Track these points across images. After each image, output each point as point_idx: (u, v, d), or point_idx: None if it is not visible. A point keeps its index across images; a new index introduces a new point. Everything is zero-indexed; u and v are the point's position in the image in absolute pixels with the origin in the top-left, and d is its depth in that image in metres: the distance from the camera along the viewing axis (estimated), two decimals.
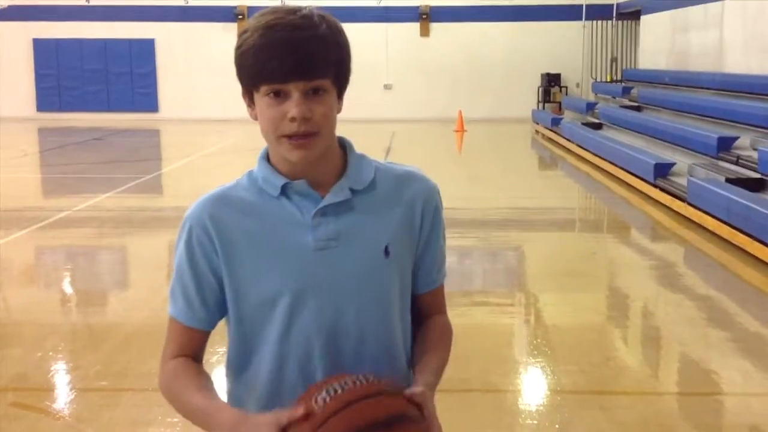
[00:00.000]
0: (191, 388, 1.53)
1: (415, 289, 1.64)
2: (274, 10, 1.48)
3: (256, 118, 1.53)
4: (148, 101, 24.74)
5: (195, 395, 1.53)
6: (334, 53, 1.47)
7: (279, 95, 1.45)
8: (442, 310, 1.71)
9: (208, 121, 23.33)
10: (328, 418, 1.35)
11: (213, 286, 1.54)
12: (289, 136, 1.45)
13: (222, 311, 1.58)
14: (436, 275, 1.66)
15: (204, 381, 1.56)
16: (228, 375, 1.63)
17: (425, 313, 1.68)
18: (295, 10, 1.47)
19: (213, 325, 1.60)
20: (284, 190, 1.52)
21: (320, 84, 1.45)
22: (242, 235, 1.52)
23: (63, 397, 4.57)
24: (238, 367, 1.60)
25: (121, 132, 20.84)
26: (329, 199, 1.51)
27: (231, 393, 1.62)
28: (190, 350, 1.59)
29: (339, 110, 1.53)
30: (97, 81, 24.63)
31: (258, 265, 1.51)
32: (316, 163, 1.50)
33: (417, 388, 1.45)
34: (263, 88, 1.46)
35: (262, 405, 1.55)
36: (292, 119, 1.44)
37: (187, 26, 24.44)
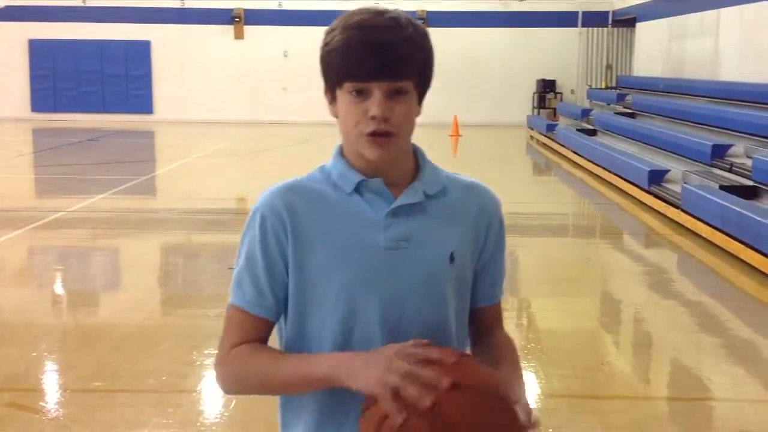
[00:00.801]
0: (273, 358, 1.50)
1: (474, 302, 1.63)
2: (363, 10, 1.51)
3: (336, 116, 1.53)
4: (143, 103, 24.73)
5: (281, 361, 1.50)
6: (418, 56, 1.49)
7: (361, 93, 1.46)
8: (501, 325, 1.71)
9: (202, 123, 23.33)
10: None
11: (283, 276, 1.52)
12: (370, 134, 1.46)
13: (287, 304, 1.55)
14: (498, 290, 1.67)
15: (279, 351, 1.54)
16: None
17: (485, 327, 1.67)
18: (383, 12, 1.49)
19: (278, 318, 1.57)
20: (358, 187, 1.52)
21: (403, 86, 1.46)
22: (314, 228, 1.51)
23: (57, 397, 4.57)
24: None
25: (115, 133, 20.82)
26: (403, 199, 1.52)
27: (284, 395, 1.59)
28: (256, 340, 1.54)
29: (418, 113, 1.54)
30: (92, 82, 24.61)
31: (328, 259, 1.50)
32: (392, 163, 1.51)
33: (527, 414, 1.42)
34: (347, 85, 1.47)
35: (320, 406, 1.54)
36: (373, 117, 1.44)
37: (183, 28, 24.44)
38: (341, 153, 1.56)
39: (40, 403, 4.49)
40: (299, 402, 1.56)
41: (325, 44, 1.50)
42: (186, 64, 24.53)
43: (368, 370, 1.36)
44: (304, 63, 24.77)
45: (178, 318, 6.11)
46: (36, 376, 4.87)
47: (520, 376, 1.63)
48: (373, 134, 1.46)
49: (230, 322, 1.55)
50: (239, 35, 24.65)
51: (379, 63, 1.44)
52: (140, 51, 24.59)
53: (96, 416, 4.20)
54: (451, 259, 1.54)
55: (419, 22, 1.53)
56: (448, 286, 1.54)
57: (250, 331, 1.53)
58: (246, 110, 24.30)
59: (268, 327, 1.56)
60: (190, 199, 11.11)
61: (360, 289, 1.48)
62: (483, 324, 1.67)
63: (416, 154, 1.60)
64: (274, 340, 1.58)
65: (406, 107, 1.48)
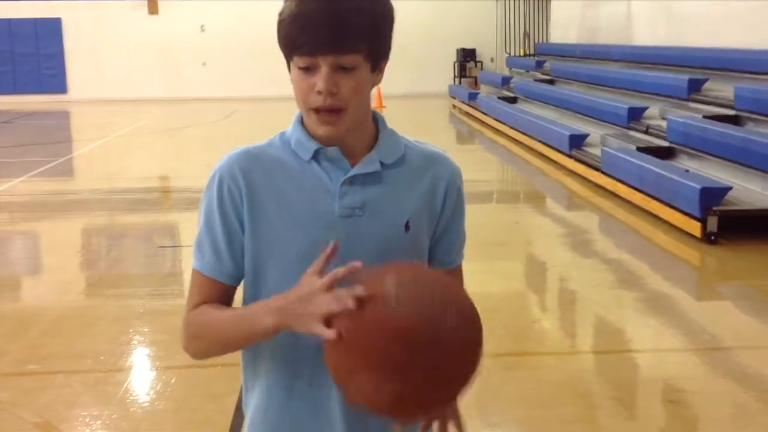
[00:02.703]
0: (223, 313, 1.53)
1: (433, 267, 1.66)
2: None
3: None
4: (56, 82, 24.02)
5: (228, 311, 1.53)
6: (368, 26, 1.44)
7: (309, 68, 1.45)
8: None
9: (120, 101, 22.80)
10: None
11: (241, 240, 1.54)
12: (317, 110, 1.46)
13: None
14: (455, 256, 1.70)
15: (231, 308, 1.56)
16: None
17: None
18: None
19: (238, 282, 1.58)
20: (315, 156, 1.53)
21: (350, 59, 1.43)
22: (271, 194, 1.52)
23: None
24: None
25: (29, 115, 20.19)
26: (359, 169, 1.53)
27: (244, 357, 1.62)
28: (217, 302, 1.56)
29: (376, 82, 1.53)
30: (2, 62, 23.75)
31: (283, 226, 1.52)
32: (348, 133, 1.51)
33: None
34: (296, 59, 1.46)
35: (278, 367, 1.56)
36: (319, 92, 1.44)
37: (95, 4, 23.75)
38: (301, 120, 1.57)
39: None
40: (254, 363, 1.60)
41: (279, 13, 1.48)
42: (100, 41, 23.88)
43: (301, 314, 1.38)
44: (222, 37, 24.44)
45: (110, 299, 6.05)
46: None
47: None
48: (321, 110, 1.46)
49: (192, 284, 1.58)
50: (153, 10, 24.09)
51: (324, 37, 1.41)
52: (51, 29, 23.82)
53: (35, 398, 4.16)
54: (407, 227, 1.56)
55: None
56: (403, 254, 1.55)
57: (211, 293, 1.55)
58: (164, 87, 23.83)
59: (230, 290, 1.58)
60: (112, 179, 10.91)
61: (315, 255, 1.46)
62: None
63: (376, 123, 1.60)
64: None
65: (354, 81, 1.45)
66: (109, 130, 16.36)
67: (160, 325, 5.29)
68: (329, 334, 1.33)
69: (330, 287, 1.36)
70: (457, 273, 1.72)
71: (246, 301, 1.58)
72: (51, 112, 21.11)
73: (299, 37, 1.42)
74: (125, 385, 4.36)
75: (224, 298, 1.57)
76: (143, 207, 9.25)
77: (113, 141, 15.06)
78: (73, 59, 24.04)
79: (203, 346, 1.56)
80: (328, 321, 1.34)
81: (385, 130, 1.60)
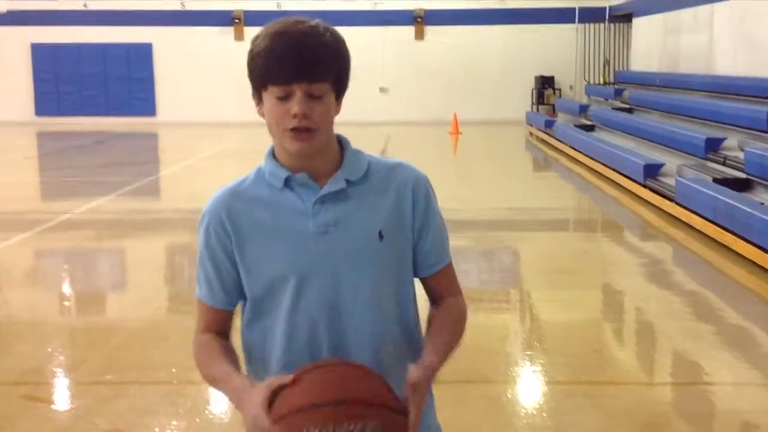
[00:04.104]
0: (212, 362, 1.75)
1: (417, 273, 1.80)
2: (285, 20, 1.69)
3: (263, 116, 1.72)
4: (145, 105, 24.90)
5: (214, 367, 1.74)
6: (334, 60, 1.66)
7: (284, 96, 1.63)
8: (452, 292, 1.84)
9: (204, 124, 23.50)
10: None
11: (230, 271, 1.75)
12: (292, 130, 1.64)
13: (240, 293, 1.78)
14: (435, 258, 1.80)
15: (224, 355, 1.76)
16: (244, 354, 1.82)
17: (435, 296, 1.84)
18: (303, 21, 1.67)
19: (234, 305, 1.80)
20: (287, 182, 1.71)
21: (320, 87, 1.64)
22: (252, 224, 1.71)
23: (72, 390, 4.76)
24: (252, 346, 1.79)
25: (119, 136, 21.01)
26: (327, 188, 1.70)
27: (249, 371, 1.80)
28: (216, 327, 1.80)
29: (337, 111, 1.72)
30: (95, 85, 24.79)
31: (266, 249, 1.71)
32: (315, 157, 1.69)
33: (412, 374, 1.60)
34: (271, 88, 1.65)
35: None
36: (294, 115, 1.62)
37: (184, 30, 24.61)
38: (272, 154, 1.75)
39: (56, 395, 4.69)
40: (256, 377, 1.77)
41: (251, 50, 1.69)
42: (187, 66, 24.71)
43: (244, 412, 1.60)
44: None
45: (185, 314, 6.27)
46: (50, 370, 5.05)
47: (437, 346, 1.73)
48: (295, 130, 1.63)
49: (197, 311, 1.83)
50: (239, 37, 24.81)
51: (298, 65, 1.60)
52: (142, 53, 24.77)
53: (109, 407, 4.38)
54: (380, 236, 1.70)
55: (336, 30, 1.71)
56: (381, 262, 1.72)
57: (212, 318, 1.80)
58: (247, 111, 24.21)
59: (226, 313, 1.80)
60: (194, 200, 11.26)
61: (298, 273, 1.68)
62: (433, 292, 1.85)
63: (342, 145, 1.77)
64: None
65: (324, 107, 1.65)
66: (194, 152, 16.91)
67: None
68: None
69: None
70: (444, 276, 1.83)
71: (247, 321, 1.78)
72: (140, 134, 21.91)
73: (274, 69, 1.62)
74: (195, 397, 4.54)
75: (221, 320, 1.80)
76: None
77: (197, 162, 15.56)
78: (162, 83, 24.92)
79: (200, 372, 1.80)
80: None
81: (349, 150, 1.77)
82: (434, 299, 1.85)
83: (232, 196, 1.75)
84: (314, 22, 1.68)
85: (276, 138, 1.70)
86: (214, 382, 1.74)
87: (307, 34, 1.63)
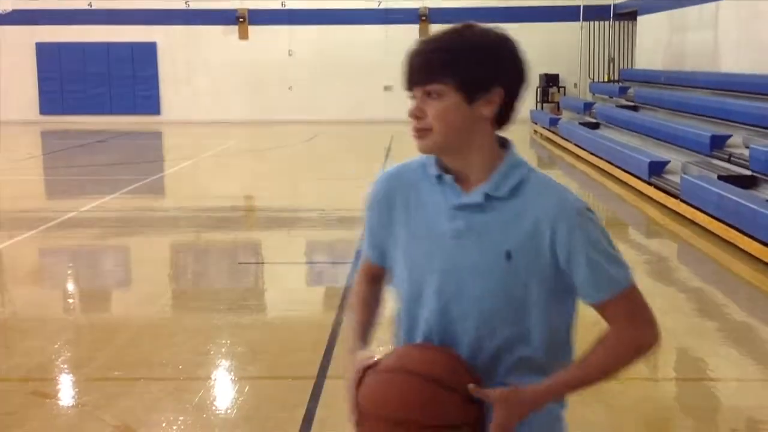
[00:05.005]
0: (353, 310, 1.98)
1: (583, 300, 1.77)
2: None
3: None
4: (149, 104, 24.97)
5: (352, 316, 1.97)
6: (449, 61, 1.67)
7: (413, 98, 1.75)
8: (616, 325, 1.75)
9: (209, 123, 23.55)
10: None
11: (382, 240, 1.88)
12: (413, 129, 1.74)
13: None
14: (593, 291, 1.71)
15: (362, 306, 1.96)
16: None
17: (606, 322, 1.77)
18: (452, 27, 1.74)
19: (382, 264, 1.92)
20: (439, 179, 1.78)
21: (433, 88, 1.69)
22: (401, 210, 1.82)
23: (79, 386, 4.79)
24: (397, 316, 1.89)
25: (123, 134, 21.05)
26: (466, 198, 1.74)
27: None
28: (370, 275, 1.97)
29: (484, 115, 1.70)
30: (99, 84, 24.85)
31: (406, 235, 1.81)
32: (456, 160, 1.75)
33: (493, 392, 1.67)
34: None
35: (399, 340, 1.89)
36: (409, 115, 1.72)
37: (188, 29, 24.66)
38: None
39: (65, 391, 4.72)
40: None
41: None
42: (192, 64, 24.75)
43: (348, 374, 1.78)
44: (308, 61, 25.03)
45: (191, 311, 6.32)
46: (58, 367, 5.09)
47: (558, 376, 1.74)
48: (414, 129, 1.73)
49: (361, 258, 2.01)
50: (244, 35, 24.86)
51: (410, 72, 1.72)
52: (146, 52, 24.82)
53: (116, 403, 4.40)
54: (508, 256, 1.69)
55: (485, 33, 1.73)
56: (503, 281, 1.70)
57: (366, 267, 1.98)
58: (251, 110, 24.50)
59: (378, 268, 1.94)
60: (199, 198, 11.32)
61: (425, 265, 1.76)
62: (604, 319, 1.78)
63: (506, 155, 1.77)
64: None
65: (440, 106, 1.69)
66: (198, 151, 16.94)
67: (238, 338, 5.51)
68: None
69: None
70: (606, 309, 1.74)
71: (395, 285, 1.90)
72: (144, 133, 21.97)
73: (403, 75, 1.75)
74: (201, 393, 4.57)
75: (375, 272, 1.96)
76: (227, 225, 9.58)
77: (201, 161, 15.60)
78: (166, 82, 24.97)
79: None
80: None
81: (507, 161, 1.76)
82: (607, 324, 1.79)
83: (394, 176, 1.86)
84: (461, 25, 1.74)
85: None
86: (346, 326, 2.04)
87: (430, 39, 1.72)
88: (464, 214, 1.72)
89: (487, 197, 1.71)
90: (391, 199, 1.83)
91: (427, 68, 1.69)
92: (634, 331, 1.75)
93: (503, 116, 1.74)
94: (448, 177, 1.75)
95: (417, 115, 1.70)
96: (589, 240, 1.69)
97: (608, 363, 1.76)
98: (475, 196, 1.72)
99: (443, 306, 1.74)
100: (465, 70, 1.67)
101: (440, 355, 1.71)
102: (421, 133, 1.71)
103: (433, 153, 1.74)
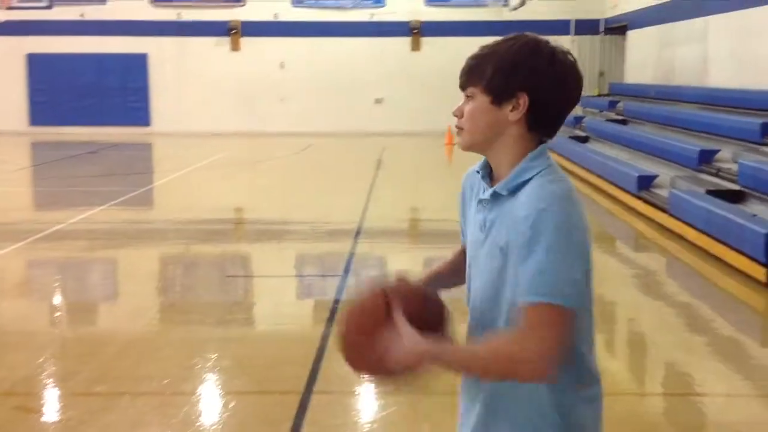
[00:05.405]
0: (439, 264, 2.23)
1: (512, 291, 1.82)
2: None
3: None
4: (140, 115, 24.92)
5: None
6: (483, 67, 1.85)
7: None
8: (517, 330, 1.74)
9: (200, 135, 23.51)
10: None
11: (463, 225, 2.07)
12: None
13: None
14: (519, 293, 1.74)
15: (443, 262, 2.21)
16: None
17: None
18: (505, 36, 1.94)
19: None
20: (479, 174, 1.96)
21: (468, 91, 1.89)
22: (469, 199, 2.02)
23: (64, 400, 4.75)
24: None
25: (113, 146, 21.00)
26: (483, 195, 1.92)
27: None
28: (462, 250, 2.13)
29: (510, 117, 1.83)
30: (90, 95, 24.80)
31: (467, 225, 2.03)
32: (490, 157, 1.92)
33: (404, 323, 1.82)
34: None
35: None
36: (453, 113, 1.92)
37: (180, 41, 24.65)
38: None
39: (48, 406, 4.68)
40: None
41: None
42: (183, 76, 24.74)
43: None
44: (300, 73, 25.05)
45: (179, 325, 6.29)
46: (42, 381, 5.04)
47: (455, 351, 1.83)
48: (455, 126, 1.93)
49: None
50: (236, 47, 24.88)
51: (460, 77, 1.92)
52: (137, 64, 24.79)
53: (100, 418, 4.37)
54: (502, 251, 1.82)
55: (528, 41, 1.89)
56: (500, 274, 1.82)
57: (461, 246, 2.13)
58: (243, 122, 24.49)
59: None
60: (188, 210, 11.29)
61: (469, 250, 1.98)
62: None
63: (529, 157, 1.86)
64: None
65: (471, 107, 1.88)
66: (189, 163, 16.91)
67: (225, 352, 5.48)
68: None
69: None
70: (522, 313, 1.73)
71: None
72: (134, 144, 21.92)
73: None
74: (186, 409, 4.54)
75: (463, 249, 2.11)
76: (216, 237, 9.55)
77: (192, 173, 15.57)
78: (157, 93, 24.95)
79: None
80: None
81: (523, 163, 1.85)
82: None
83: (470, 172, 2.04)
84: (514, 35, 1.93)
85: None
86: None
87: (477, 49, 1.91)
88: (482, 209, 1.90)
89: (495, 195, 1.85)
90: (464, 192, 2.04)
91: (464, 74, 1.89)
92: (521, 345, 1.71)
93: (539, 121, 1.84)
94: (482, 173, 1.93)
95: (456, 114, 1.90)
96: (536, 245, 1.71)
97: (488, 359, 1.76)
98: (488, 193, 1.88)
99: (469, 286, 1.96)
100: (490, 75, 1.83)
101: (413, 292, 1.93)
102: (458, 130, 1.91)
103: (466, 149, 1.92)
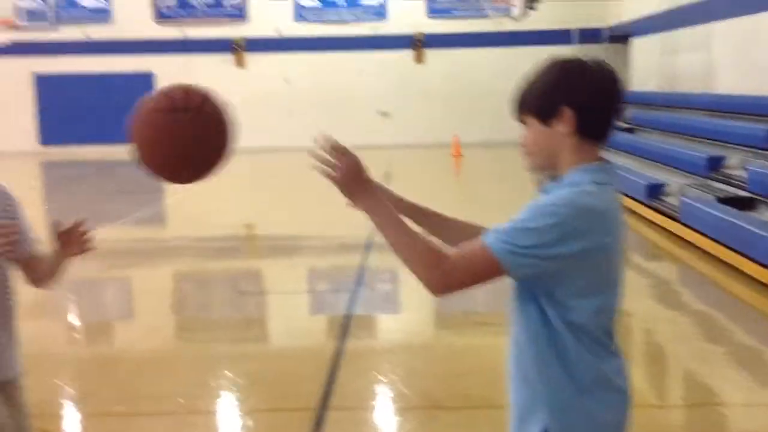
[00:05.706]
0: None
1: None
2: None
3: None
4: None
5: None
6: (528, 94, 2.02)
7: None
8: (460, 247, 2.00)
9: None
10: None
11: None
12: None
13: None
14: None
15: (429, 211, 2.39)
16: None
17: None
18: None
19: None
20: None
21: (522, 119, 2.05)
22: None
23: (82, 421, 4.76)
24: None
25: (123, 164, 21.00)
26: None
27: None
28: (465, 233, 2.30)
29: (563, 132, 1.96)
30: (97, 114, 24.89)
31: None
32: (549, 172, 2.04)
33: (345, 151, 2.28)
34: None
35: None
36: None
37: (185, 59, 24.77)
38: None
39: (66, 428, 4.68)
40: None
41: None
42: None
43: None
44: (305, 88, 25.13)
45: (193, 343, 6.30)
46: (60, 402, 5.05)
47: (388, 210, 2.09)
48: None
49: None
50: (240, 64, 24.98)
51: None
52: (144, 82, 24.88)
53: None
54: None
55: (569, 59, 2.00)
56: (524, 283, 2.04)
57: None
58: (251, 137, 24.46)
59: None
60: (199, 227, 11.31)
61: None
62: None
63: (580, 169, 1.97)
64: None
65: (529, 132, 2.04)
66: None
67: (240, 369, 5.48)
68: None
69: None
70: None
71: None
72: None
73: None
74: (200, 427, 4.54)
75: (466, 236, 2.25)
76: (228, 254, 9.57)
77: (201, 190, 15.52)
78: None
79: None
80: None
81: (564, 180, 1.98)
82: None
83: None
84: (546, 61, 2.03)
85: None
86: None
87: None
88: None
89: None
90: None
91: (514, 105, 2.05)
92: (445, 255, 1.93)
93: (588, 127, 1.95)
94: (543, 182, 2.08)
95: (521, 142, 2.05)
96: (527, 206, 1.94)
97: (408, 242, 1.97)
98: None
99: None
100: (532, 100, 2.01)
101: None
102: (525, 156, 2.06)
103: (534, 170, 2.06)
